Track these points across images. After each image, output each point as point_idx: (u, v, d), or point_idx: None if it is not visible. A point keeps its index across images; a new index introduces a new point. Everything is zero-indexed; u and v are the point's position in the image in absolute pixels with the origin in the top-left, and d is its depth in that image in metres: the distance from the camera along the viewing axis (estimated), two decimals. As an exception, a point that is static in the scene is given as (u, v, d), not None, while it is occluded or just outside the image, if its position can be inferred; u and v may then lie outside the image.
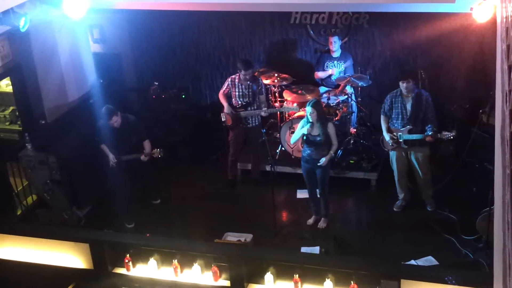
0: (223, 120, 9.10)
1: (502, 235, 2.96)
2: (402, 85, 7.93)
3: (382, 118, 8.27)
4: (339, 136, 9.40)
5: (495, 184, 3.87)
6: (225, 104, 9.02)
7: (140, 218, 8.81)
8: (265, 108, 8.95)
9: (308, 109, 7.69)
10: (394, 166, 8.41)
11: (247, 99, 8.95)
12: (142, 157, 8.30)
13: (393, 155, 8.35)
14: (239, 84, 8.93)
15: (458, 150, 8.78)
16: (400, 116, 8.05)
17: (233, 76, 9.06)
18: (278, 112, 9.70)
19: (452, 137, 7.85)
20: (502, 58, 4.37)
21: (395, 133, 8.09)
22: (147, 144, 8.38)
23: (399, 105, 8.03)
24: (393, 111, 8.10)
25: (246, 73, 8.79)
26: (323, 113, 7.87)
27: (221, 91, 9.11)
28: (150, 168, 8.81)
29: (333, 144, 7.87)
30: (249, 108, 8.99)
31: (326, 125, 7.79)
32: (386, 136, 8.18)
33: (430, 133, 7.80)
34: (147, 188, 9.12)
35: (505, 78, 3.75)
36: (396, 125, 8.11)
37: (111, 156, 8.37)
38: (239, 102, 8.98)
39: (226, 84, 9.07)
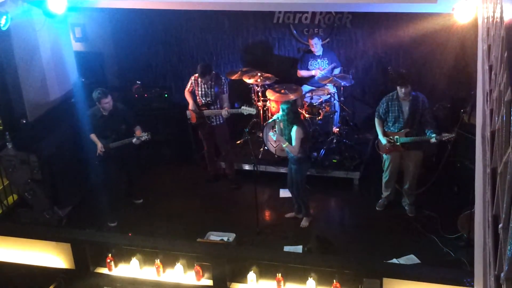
0: (188, 117, 9.13)
1: (483, 233, 2.98)
2: (401, 90, 7.83)
3: (377, 121, 8.18)
4: (321, 136, 9.47)
5: (476, 183, 3.90)
6: (190, 101, 9.04)
7: (122, 217, 8.77)
8: (226, 109, 8.88)
9: (281, 107, 7.88)
10: (387, 169, 8.37)
11: (209, 98, 8.93)
12: (134, 140, 8.29)
13: (387, 158, 8.30)
14: (201, 83, 8.90)
15: (440, 150, 8.82)
16: (396, 119, 7.99)
17: (196, 74, 8.98)
18: (261, 112, 9.71)
19: (451, 139, 7.78)
20: (483, 58, 4.41)
21: (391, 137, 8.08)
22: (139, 130, 8.41)
23: (396, 108, 7.95)
24: (390, 114, 8.01)
25: (203, 80, 8.82)
26: (292, 116, 7.84)
27: (186, 89, 9.11)
28: (136, 158, 8.84)
29: (293, 146, 7.83)
30: (211, 107, 8.97)
31: (291, 127, 7.81)
32: (383, 140, 8.11)
33: (434, 135, 7.72)
34: (132, 179, 9.10)
35: (486, 78, 3.78)
36: (392, 128, 8.05)
37: (99, 145, 8.34)
38: (202, 101, 8.98)
39: (190, 82, 9.05)
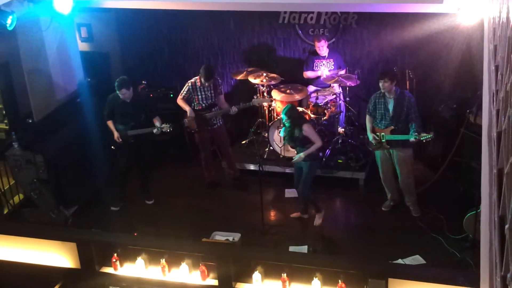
0: (186, 125, 9.00)
1: (489, 234, 2.97)
2: (380, 84, 7.94)
3: (367, 118, 8.27)
4: (327, 136, 9.45)
5: (482, 183, 3.88)
6: (187, 108, 8.86)
7: (127, 217, 8.80)
8: (234, 106, 8.87)
9: (282, 116, 7.87)
10: (379, 166, 8.43)
11: (210, 100, 8.88)
12: (155, 131, 8.34)
13: (377, 155, 8.36)
14: (201, 88, 8.81)
15: (445, 150, 8.82)
16: (383, 116, 8.06)
17: (193, 80, 8.87)
18: (267, 112, 9.71)
19: (430, 139, 7.81)
20: (489, 58, 4.40)
21: (377, 133, 8.11)
22: (156, 120, 8.46)
23: (382, 106, 8.03)
24: (377, 111, 8.10)
25: (206, 82, 8.75)
26: (296, 117, 7.92)
27: (180, 97, 8.93)
28: (151, 154, 8.94)
29: (315, 143, 7.88)
30: (213, 109, 8.93)
31: (301, 127, 7.83)
32: (369, 136, 8.19)
33: (413, 136, 7.77)
34: (146, 176, 9.11)
35: (492, 78, 3.77)
36: (379, 125, 8.11)
37: (116, 134, 8.42)
38: (203, 105, 8.88)
39: (186, 89, 8.88)
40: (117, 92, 8.25)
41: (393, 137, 8.01)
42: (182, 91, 8.96)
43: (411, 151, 8.18)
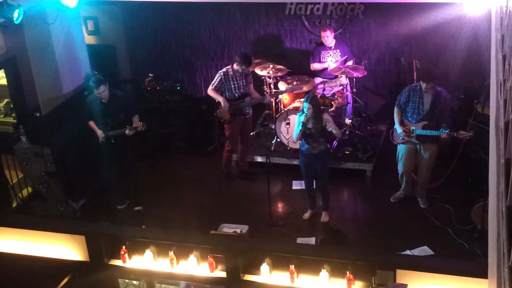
0: (219, 116, 8.88)
1: (497, 225, 2.97)
2: (422, 84, 7.79)
3: (396, 110, 8.09)
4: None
5: (489, 174, 3.87)
6: (221, 98, 8.71)
7: (135, 210, 8.81)
8: (268, 95, 8.86)
9: (305, 105, 7.58)
10: (401, 160, 8.29)
11: (242, 90, 8.85)
12: (127, 132, 8.07)
13: (402, 149, 8.22)
14: (234, 77, 8.72)
15: (453, 141, 8.77)
16: (416, 110, 7.91)
17: (224, 69, 8.76)
18: (273, 104, 9.69)
19: (468, 137, 7.75)
20: (497, 48, 4.38)
21: (407, 127, 8.02)
22: (135, 119, 8.22)
23: (417, 99, 7.87)
24: (410, 104, 7.93)
25: (246, 69, 8.65)
26: (319, 107, 7.78)
27: (212, 87, 8.78)
28: (129, 154, 8.65)
29: (333, 130, 7.73)
30: (245, 99, 8.90)
31: (321, 117, 7.71)
32: (399, 129, 8.04)
33: (446, 131, 7.69)
34: (128, 169, 8.81)
35: (500, 68, 3.76)
36: (410, 119, 7.98)
37: (99, 132, 8.18)
38: (236, 95, 8.83)
39: (218, 79, 8.73)
40: (95, 91, 7.99)
41: (425, 132, 7.89)
42: (213, 82, 8.82)
43: (438, 147, 8.11)
